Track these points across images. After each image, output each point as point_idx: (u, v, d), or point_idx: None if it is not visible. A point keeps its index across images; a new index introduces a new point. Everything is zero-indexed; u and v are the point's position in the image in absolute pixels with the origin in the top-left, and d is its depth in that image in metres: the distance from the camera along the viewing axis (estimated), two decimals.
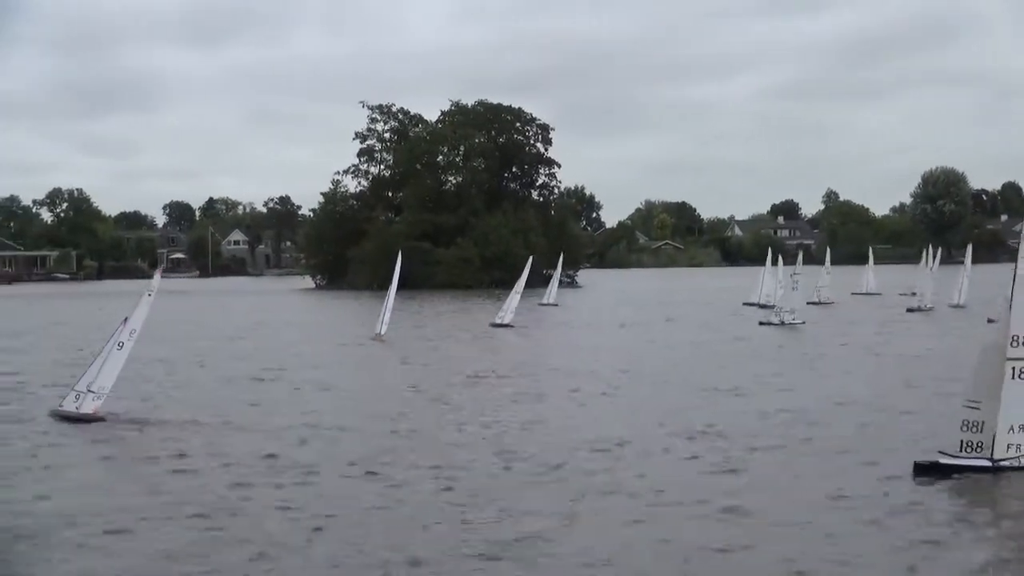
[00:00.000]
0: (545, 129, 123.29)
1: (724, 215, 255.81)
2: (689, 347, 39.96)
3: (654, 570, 12.28)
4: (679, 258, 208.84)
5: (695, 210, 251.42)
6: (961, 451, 16.29)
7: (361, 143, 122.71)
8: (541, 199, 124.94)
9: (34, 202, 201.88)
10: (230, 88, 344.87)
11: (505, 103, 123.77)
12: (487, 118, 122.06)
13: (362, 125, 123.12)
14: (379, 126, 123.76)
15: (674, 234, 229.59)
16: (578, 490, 15.86)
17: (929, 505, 14.84)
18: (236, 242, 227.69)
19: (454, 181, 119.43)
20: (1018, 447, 16.11)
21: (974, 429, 16.24)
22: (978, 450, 16.17)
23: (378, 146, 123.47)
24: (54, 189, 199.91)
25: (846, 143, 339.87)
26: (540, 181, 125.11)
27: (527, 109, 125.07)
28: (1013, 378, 16.06)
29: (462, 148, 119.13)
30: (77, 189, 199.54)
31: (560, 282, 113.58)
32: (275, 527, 13.98)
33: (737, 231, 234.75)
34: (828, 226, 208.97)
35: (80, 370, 24.80)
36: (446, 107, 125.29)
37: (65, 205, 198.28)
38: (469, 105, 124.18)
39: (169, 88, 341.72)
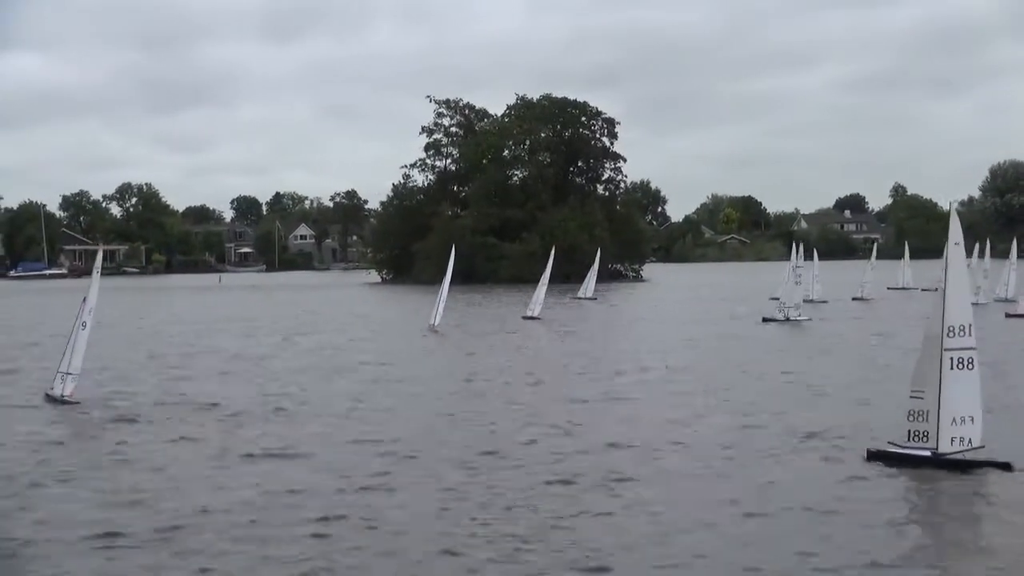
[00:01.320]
0: (611, 123, 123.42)
1: (790, 209, 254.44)
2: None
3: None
4: (745, 252, 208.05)
5: (760, 204, 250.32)
6: (908, 440, 16.50)
7: (428, 137, 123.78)
8: (607, 193, 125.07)
9: (104, 197, 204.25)
10: (304, 83, 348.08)
11: (578, 97, 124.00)
12: (552, 112, 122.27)
13: (430, 119, 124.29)
14: (445, 120, 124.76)
15: (740, 228, 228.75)
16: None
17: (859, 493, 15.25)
18: (303, 236, 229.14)
19: (520, 175, 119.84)
20: (961, 439, 16.15)
21: (920, 418, 16.41)
22: (924, 439, 16.32)
23: (444, 140, 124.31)
24: (124, 184, 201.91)
25: (917, 136, 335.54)
26: (606, 175, 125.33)
27: (599, 103, 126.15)
28: (952, 368, 16.15)
29: (528, 142, 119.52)
30: (146, 184, 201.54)
31: (625, 276, 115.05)
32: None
33: (803, 225, 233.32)
34: (895, 220, 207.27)
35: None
36: (512, 101, 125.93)
37: (134, 200, 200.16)
38: (535, 99, 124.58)
39: (245, 83, 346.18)
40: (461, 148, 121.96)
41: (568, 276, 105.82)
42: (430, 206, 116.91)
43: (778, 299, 48.54)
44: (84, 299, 24.12)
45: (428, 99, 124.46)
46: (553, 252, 65.09)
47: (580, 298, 71.21)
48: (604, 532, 13.43)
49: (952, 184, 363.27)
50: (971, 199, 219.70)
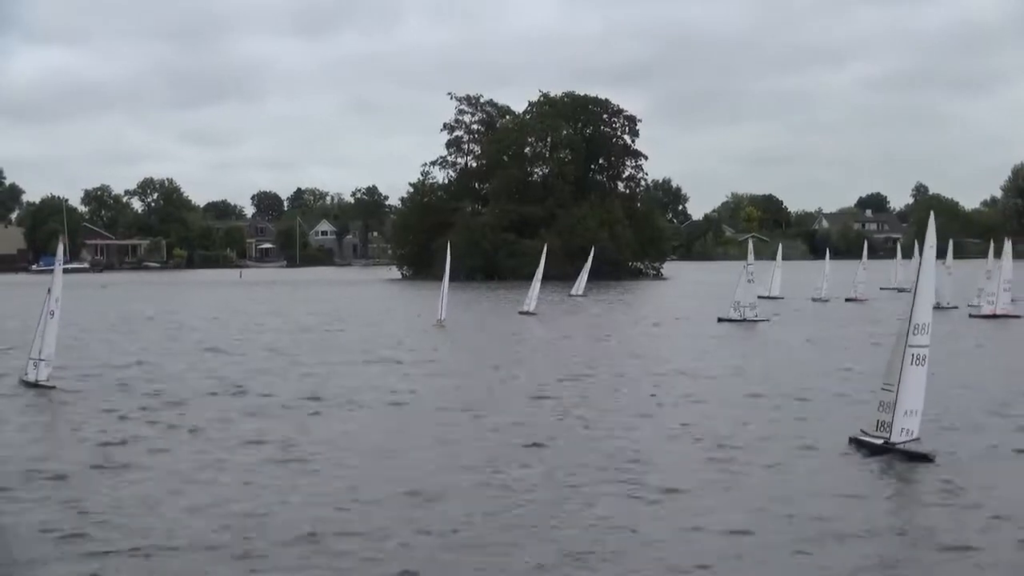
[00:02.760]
0: (632, 121, 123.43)
1: (811, 208, 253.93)
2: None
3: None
4: (765, 251, 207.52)
5: (782, 203, 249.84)
6: (876, 430, 17.44)
7: (449, 134, 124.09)
8: (627, 191, 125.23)
9: (125, 191, 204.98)
10: (334, 78, 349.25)
11: (607, 93, 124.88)
12: (574, 110, 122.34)
13: (451, 117, 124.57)
14: (467, 117, 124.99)
15: (761, 226, 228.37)
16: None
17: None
18: (323, 232, 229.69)
19: (541, 172, 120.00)
20: (906, 430, 17.11)
21: (886, 410, 17.31)
22: (887, 430, 17.26)
23: (465, 137, 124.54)
24: (145, 179, 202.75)
25: (942, 136, 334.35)
26: (627, 173, 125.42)
27: (628, 99, 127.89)
28: (912, 364, 17.09)
29: (549, 139, 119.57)
30: (168, 179, 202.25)
31: (645, 274, 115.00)
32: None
33: (824, 224, 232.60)
34: (917, 220, 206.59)
35: None
36: (535, 98, 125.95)
37: (156, 195, 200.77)
38: (556, 96, 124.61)
39: (273, 78, 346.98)
40: (482, 145, 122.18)
41: (591, 273, 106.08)
42: (451, 203, 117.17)
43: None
44: (49, 290, 25.48)
45: (449, 96, 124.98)
46: (545, 250, 66.23)
47: (573, 295, 71.35)
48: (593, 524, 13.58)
49: (975, 184, 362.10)
50: (993, 199, 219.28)
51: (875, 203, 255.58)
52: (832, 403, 23.16)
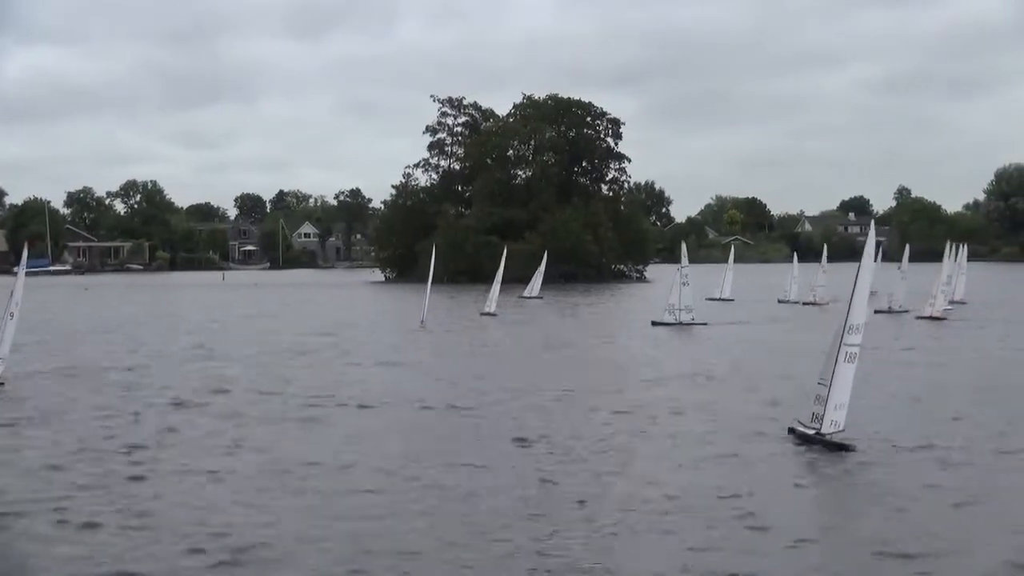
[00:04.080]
0: (615, 124, 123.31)
1: (794, 211, 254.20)
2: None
3: None
4: (748, 254, 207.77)
5: (765, 206, 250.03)
6: (811, 421, 18.92)
7: (432, 137, 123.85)
8: (611, 194, 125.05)
9: (108, 193, 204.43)
10: (330, 80, 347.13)
11: (603, 94, 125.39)
12: (557, 112, 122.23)
13: (434, 119, 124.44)
14: (449, 120, 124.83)
15: (744, 230, 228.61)
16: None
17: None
18: (307, 235, 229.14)
19: (524, 175, 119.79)
20: (834, 423, 18.54)
21: (820, 403, 18.77)
22: (818, 422, 18.73)
23: (448, 140, 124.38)
24: (128, 181, 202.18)
25: (937, 138, 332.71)
26: (610, 176, 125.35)
27: (626, 101, 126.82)
28: (845, 361, 18.48)
29: (532, 142, 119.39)
30: (151, 181, 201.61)
31: (629, 277, 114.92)
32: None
33: (807, 227, 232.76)
34: (898, 223, 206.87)
35: None
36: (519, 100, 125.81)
37: (139, 197, 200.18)
38: (540, 99, 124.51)
39: (267, 80, 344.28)
40: (465, 148, 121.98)
41: (573, 276, 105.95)
42: (434, 205, 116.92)
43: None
44: (11, 293, 26.45)
45: (432, 98, 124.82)
46: (505, 252, 67.50)
47: (526, 297, 71.07)
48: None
49: (960, 187, 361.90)
50: (976, 203, 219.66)
51: (858, 206, 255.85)
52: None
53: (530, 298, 71.25)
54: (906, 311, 53.36)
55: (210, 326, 50.09)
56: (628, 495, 15.38)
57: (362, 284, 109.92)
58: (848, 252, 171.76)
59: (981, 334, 43.38)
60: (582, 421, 21.84)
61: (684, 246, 50.70)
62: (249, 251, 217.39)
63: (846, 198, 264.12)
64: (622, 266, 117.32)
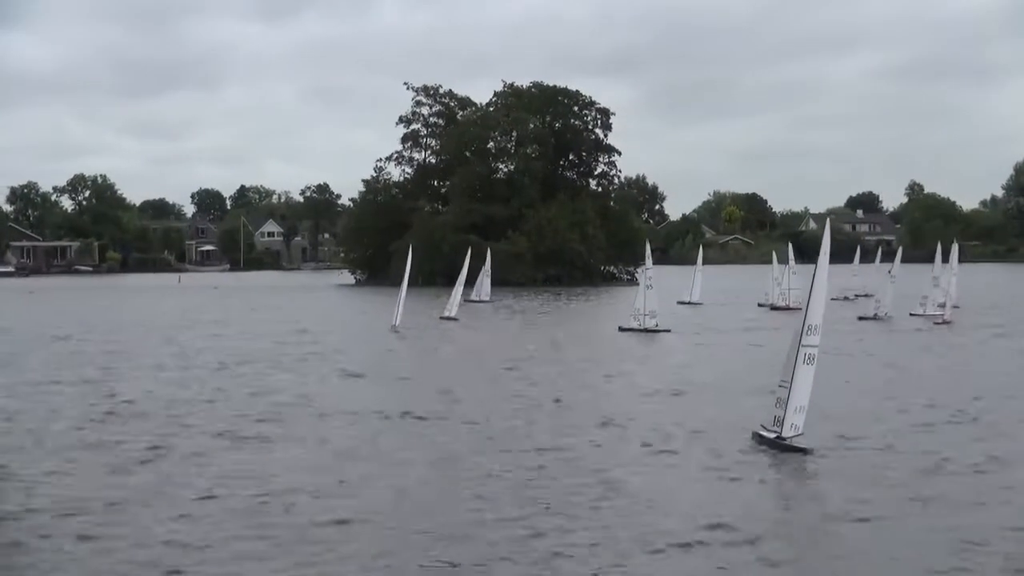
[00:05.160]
0: (605, 114, 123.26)
1: (798, 208, 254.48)
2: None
3: None
4: (749, 254, 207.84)
5: (766, 202, 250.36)
6: (772, 426, 19.74)
7: (405, 128, 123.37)
8: (600, 189, 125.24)
9: (54, 189, 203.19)
10: (298, 66, 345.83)
11: (596, 82, 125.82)
12: (542, 102, 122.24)
13: (407, 108, 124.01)
14: (424, 110, 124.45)
15: (743, 228, 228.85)
16: None
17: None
18: (270, 234, 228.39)
19: (505, 169, 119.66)
20: (794, 426, 19.35)
21: (780, 406, 19.60)
22: (779, 425, 19.55)
23: (423, 131, 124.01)
24: (76, 175, 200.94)
25: (950, 130, 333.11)
26: (599, 170, 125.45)
27: (620, 89, 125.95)
28: (804, 363, 19.27)
29: (514, 134, 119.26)
30: (100, 175, 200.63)
31: (619, 279, 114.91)
32: None
33: (812, 225, 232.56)
34: (910, 220, 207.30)
35: None
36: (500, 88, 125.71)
37: (87, 192, 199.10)
38: (523, 87, 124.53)
39: (232, 65, 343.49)
40: (442, 140, 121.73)
41: (559, 278, 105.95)
42: (408, 202, 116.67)
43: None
44: None
45: (405, 86, 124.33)
46: (469, 253, 68.34)
47: (473, 301, 70.64)
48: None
49: (977, 182, 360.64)
50: (993, 199, 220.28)
51: (867, 203, 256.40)
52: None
53: (476, 302, 70.65)
54: (891, 317, 53.77)
55: (168, 333, 49.76)
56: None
57: (330, 287, 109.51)
58: (855, 252, 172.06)
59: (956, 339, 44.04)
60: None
61: (648, 246, 51.28)
62: (208, 251, 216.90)
63: (854, 194, 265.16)
64: (612, 268, 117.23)
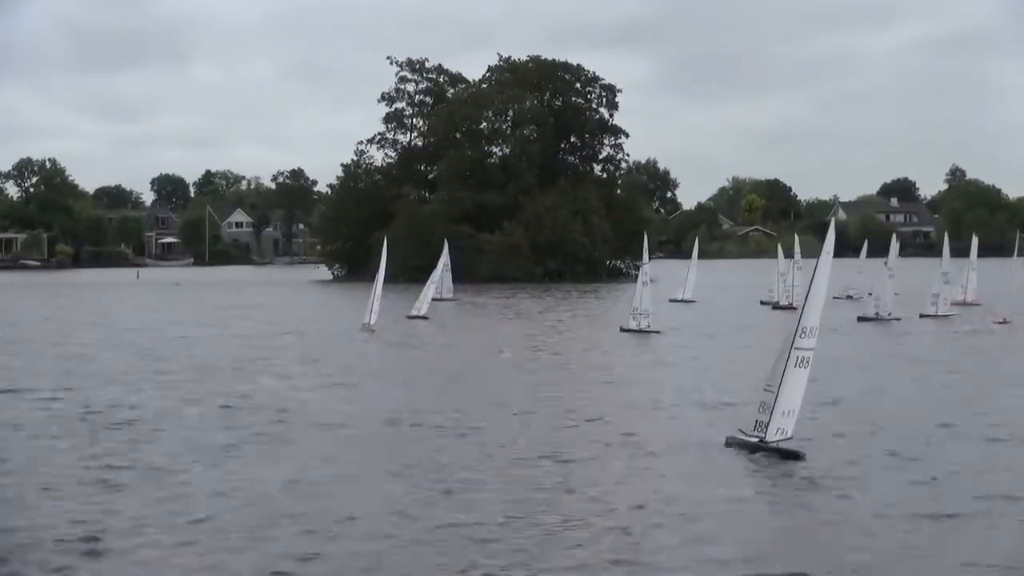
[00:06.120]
0: (611, 91, 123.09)
1: (825, 195, 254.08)
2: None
3: None
4: (770, 246, 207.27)
5: (790, 190, 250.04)
6: (754, 430, 20.49)
7: (388, 107, 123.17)
8: (605, 175, 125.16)
9: None
10: (278, 40, 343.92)
11: (604, 55, 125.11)
12: (541, 78, 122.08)
13: (390, 85, 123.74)
14: (410, 87, 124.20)
15: (765, 218, 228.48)
16: None
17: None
18: (238, 224, 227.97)
19: (500, 153, 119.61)
20: (780, 430, 20.11)
21: (765, 410, 20.31)
22: (762, 430, 20.28)
23: (409, 110, 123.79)
24: (22, 159, 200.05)
25: (997, 110, 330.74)
26: (604, 153, 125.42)
27: (629, 63, 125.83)
28: (795, 366, 20.03)
29: (510, 113, 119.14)
30: (49, 159, 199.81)
31: (627, 275, 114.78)
32: None
33: (841, 215, 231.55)
34: (949, 210, 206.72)
35: None
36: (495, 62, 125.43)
37: (35, 179, 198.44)
38: (520, 61, 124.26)
39: (201, 38, 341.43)
40: (430, 120, 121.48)
41: (559, 273, 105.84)
42: (391, 189, 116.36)
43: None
44: None
45: (388, 60, 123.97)
46: (446, 246, 70.41)
47: (437, 299, 70.19)
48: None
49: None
50: None
51: (902, 190, 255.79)
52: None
53: (439, 300, 70.07)
54: (897, 319, 53.22)
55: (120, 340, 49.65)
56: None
57: (305, 284, 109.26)
58: (888, 245, 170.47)
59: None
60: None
61: (645, 239, 51.97)
62: (169, 244, 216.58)
63: (888, 180, 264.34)
64: (619, 262, 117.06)
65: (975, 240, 60.19)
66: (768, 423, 20.09)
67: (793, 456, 20.06)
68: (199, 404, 28.00)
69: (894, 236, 58.02)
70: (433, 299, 64.43)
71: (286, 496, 18.02)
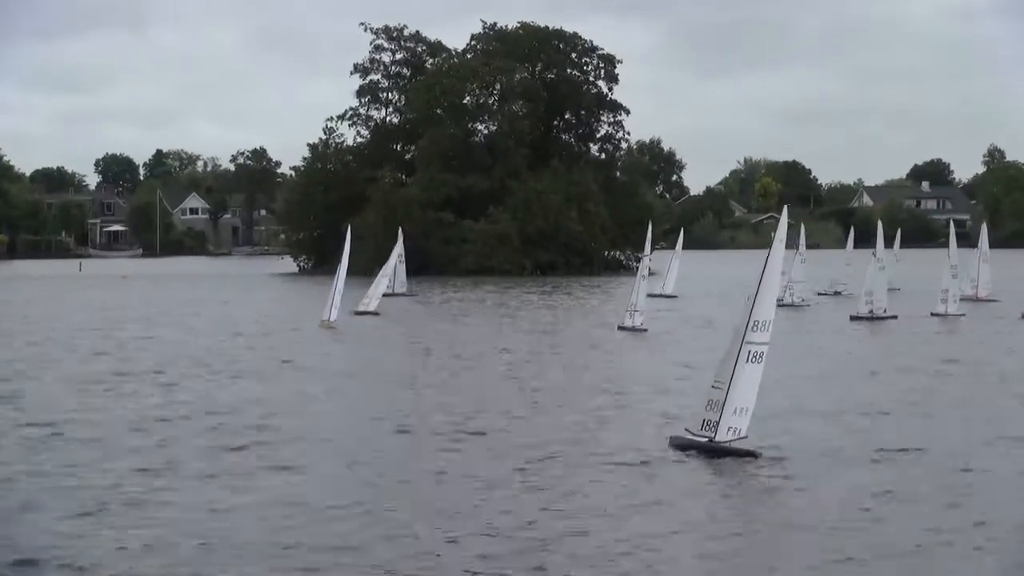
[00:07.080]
0: (610, 62, 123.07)
1: (849, 179, 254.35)
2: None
3: None
4: (787, 236, 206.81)
5: (810, 173, 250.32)
6: (701, 430, 21.27)
7: (362, 79, 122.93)
8: (603, 156, 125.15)
9: None
10: (245, 5, 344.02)
11: (609, 23, 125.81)
12: (532, 46, 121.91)
13: (364, 55, 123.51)
14: (385, 56, 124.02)
15: (781, 204, 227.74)
16: None
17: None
18: (193, 210, 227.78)
19: (486, 131, 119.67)
20: (735, 430, 20.87)
21: (713, 408, 21.09)
22: (712, 429, 21.03)
23: (384, 83, 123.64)
24: None
25: None
26: (602, 132, 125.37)
27: (632, 31, 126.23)
28: (748, 361, 20.92)
29: (497, 87, 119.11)
30: None
31: (627, 267, 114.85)
32: None
33: (867, 200, 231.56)
34: (987, 195, 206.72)
35: None
36: (478, 30, 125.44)
37: None
38: (508, 29, 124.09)
39: (164, 3, 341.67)
40: (407, 94, 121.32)
41: (552, 266, 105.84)
42: (364, 171, 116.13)
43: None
44: None
45: (363, 27, 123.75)
46: (401, 235, 71.80)
47: (389, 294, 69.83)
48: None
49: None
50: None
51: (934, 173, 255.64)
52: None
53: (391, 295, 69.86)
54: (893, 317, 53.04)
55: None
56: None
57: (267, 277, 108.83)
58: (920, 234, 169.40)
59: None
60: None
61: (650, 227, 53.57)
62: (115, 232, 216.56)
63: (919, 162, 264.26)
64: (618, 253, 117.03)
65: (984, 228, 60.17)
66: (718, 422, 20.85)
67: (747, 455, 20.84)
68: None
69: (879, 224, 57.95)
70: (384, 294, 64.64)
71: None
